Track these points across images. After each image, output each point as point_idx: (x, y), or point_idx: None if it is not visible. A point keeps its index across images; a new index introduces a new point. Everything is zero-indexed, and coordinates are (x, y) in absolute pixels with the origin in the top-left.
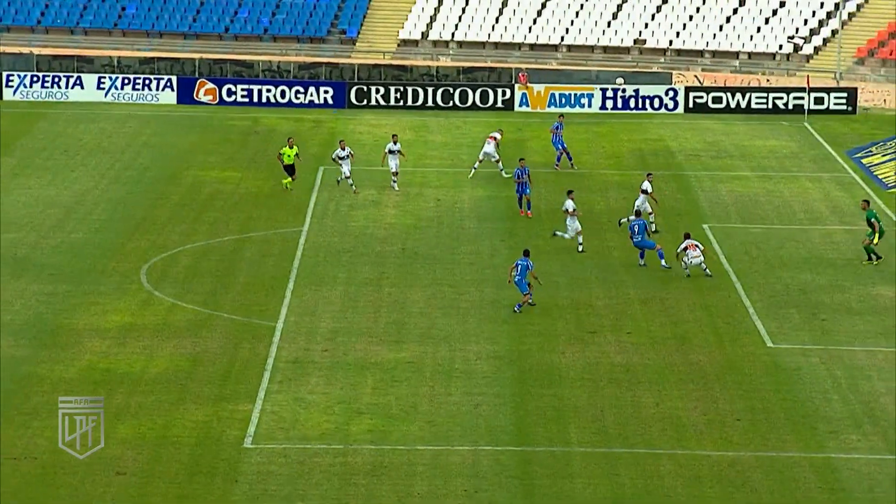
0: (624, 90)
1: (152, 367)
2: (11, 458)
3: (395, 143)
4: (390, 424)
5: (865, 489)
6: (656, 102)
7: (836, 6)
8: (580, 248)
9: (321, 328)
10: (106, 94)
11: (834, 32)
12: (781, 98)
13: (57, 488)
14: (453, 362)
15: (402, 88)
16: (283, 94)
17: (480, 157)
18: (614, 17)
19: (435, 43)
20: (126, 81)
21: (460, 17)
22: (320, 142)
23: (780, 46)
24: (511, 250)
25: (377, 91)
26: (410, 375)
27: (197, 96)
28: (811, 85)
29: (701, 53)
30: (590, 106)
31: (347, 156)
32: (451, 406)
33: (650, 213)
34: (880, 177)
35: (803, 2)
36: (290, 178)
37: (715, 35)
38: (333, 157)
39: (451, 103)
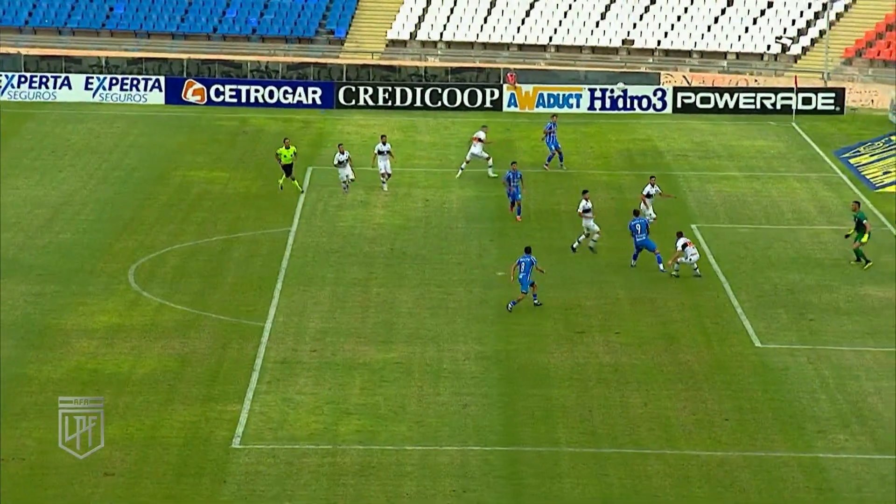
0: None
1: (140, 367)
2: None
3: (384, 143)
4: (379, 425)
5: (853, 489)
6: (644, 103)
7: (824, 6)
8: (592, 248)
9: (309, 328)
10: (94, 95)
11: (822, 33)
12: (769, 98)
13: (45, 489)
14: (441, 362)
15: (390, 89)
16: (271, 94)
17: (468, 159)
18: (602, 17)
19: (423, 43)
20: (114, 82)
21: (448, 18)
22: (309, 142)
23: (768, 47)
24: (500, 250)
25: (365, 91)
26: (399, 376)
27: (185, 96)
28: (799, 85)
29: (689, 54)
30: (578, 106)
31: (347, 159)
32: (440, 406)
33: (653, 218)
34: (868, 177)
35: (791, 2)
36: (286, 178)
37: (703, 35)
38: (335, 162)
39: (439, 103)
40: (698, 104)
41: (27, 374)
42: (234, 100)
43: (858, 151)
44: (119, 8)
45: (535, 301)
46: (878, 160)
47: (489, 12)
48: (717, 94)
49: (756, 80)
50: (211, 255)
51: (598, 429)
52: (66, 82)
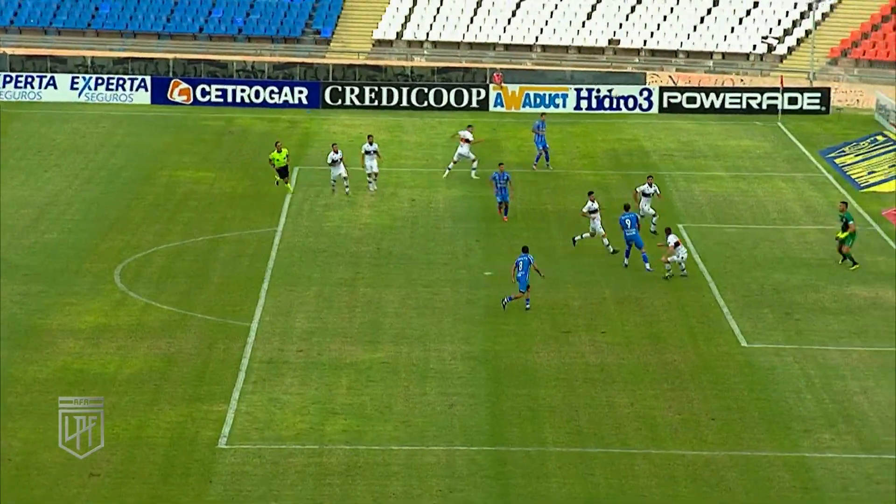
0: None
1: (126, 367)
2: None
3: (370, 143)
4: (365, 424)
5: (839, 488)
6: (630, 102)
7: (810, 7)
8: (610, 250)
9: (296, 328)
10: (79, 95)
11: (807, 33)
12: (755, 98)
13: (31, 490)
14: (428, 362)
15: (376, 88)
16: (257, 94)
17: (455, 159)
18: (588, 17)
19: (409, 43)
20: (100, 81)
21: (435, 18)
22: (295, 142)
23: (754, 47)
24: (486, 250)
25: (352, 91)
26: (385, 375)
27: (171, 96)
28: (785, 85)
29: (675, 53)
30: (564, 106)
31: (341, 159)
32: (426, 406)
33: (653, 215)
34: (853, 177)
35: (777, 2)
36: (282, 180)
37: (689, 35)
38: (329, 161)
39: (425, 103)
40: (684, 104)
41: (12, 374)
42: (221, 100)
43: (844, 151)
44: (105, 8)
45: (527, 306)
46: (864, 160)
47: (475, 12)
48: (703, 94)
49: (742, 80)
50: (197, 255)
51: (585, 428)
52: (51, 82)
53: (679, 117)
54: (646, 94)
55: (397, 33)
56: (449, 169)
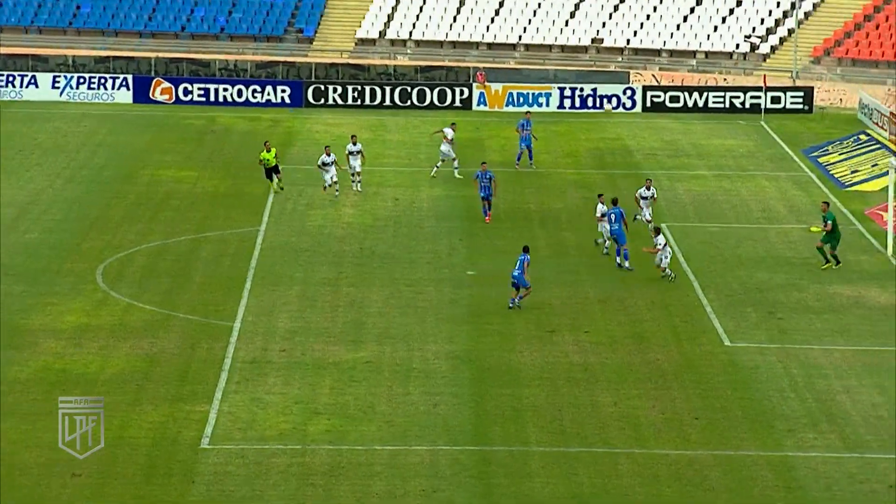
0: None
1: (108, 367)
2: None
3: (354, 143)
4: (348, 424)
5: (822, 487)
6: (614, 101)
7: (793, 5)
8: (604, 251)
9: (279, 328)
10: (61, 94)
11: (790, 32)
12: (738, 97)
13: (12, 490)
14: (411, 362)
15: (359, 87)
16: (239, 93)
17: (441, 158)
18: (572, 16)
19: (392, 42)
20: (81, 80)
21: (418, 16)
22: (278, 141)
23: (737, 46)
24: (469, 250)
25: (334, 90)
26: (368, 375)
27: (153, 95)
28: (768, 84)
29: (658, 53)
30: (548, 105)
31: (333, 162)
32: (410, 406)
33: (649, 222)
34: (836, 176)
35: (760, 1)
36: (274, 181)
37: (672, 34)
38: (319, 163)
39: (408, 102)
40: (668, 103)
41: None
42: (203, 99)
43: (827, 150)
44: (86, 6)
45: (512, 304)
46: (847, 159)
47: (458, 11)
48: (686, 93)
49: (725, 79)
50: (179, 254)
51: (568, 428)
52: (32, 81)
53: (662, 116)
54: (629, 92)
55: (380, 32)
56: (437, 167)
